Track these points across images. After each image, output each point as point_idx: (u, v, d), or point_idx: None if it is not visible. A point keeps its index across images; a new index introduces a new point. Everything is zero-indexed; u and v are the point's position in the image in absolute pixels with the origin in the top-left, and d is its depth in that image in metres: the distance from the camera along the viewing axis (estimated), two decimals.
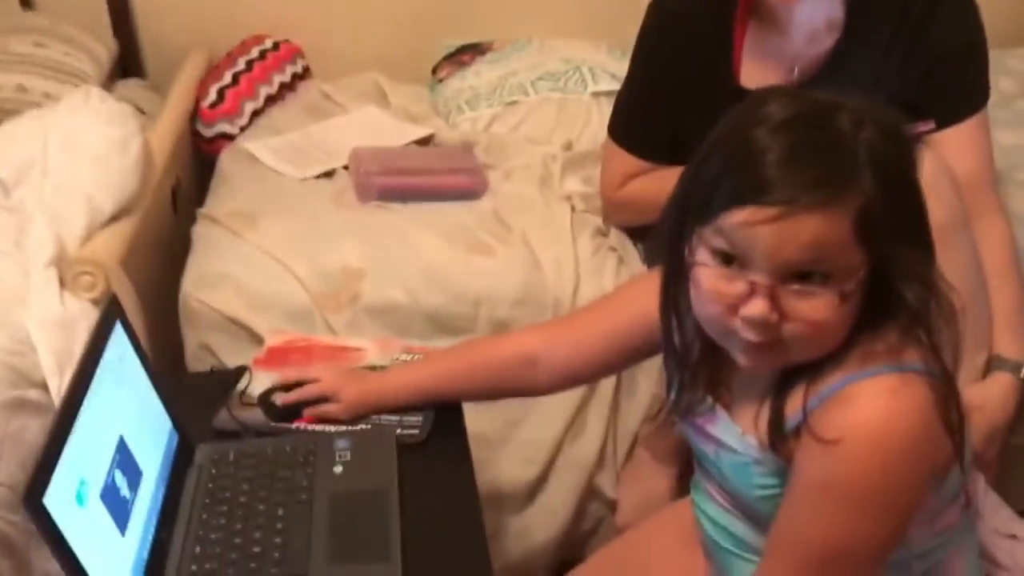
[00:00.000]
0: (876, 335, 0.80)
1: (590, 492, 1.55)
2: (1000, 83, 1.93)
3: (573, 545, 1.58)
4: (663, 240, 0.88)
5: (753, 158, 0.77)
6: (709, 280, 0.81)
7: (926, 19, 1.33)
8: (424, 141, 1.91)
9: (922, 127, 1.31)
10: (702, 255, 0.82)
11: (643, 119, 1.49)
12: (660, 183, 1.50)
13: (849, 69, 1.38)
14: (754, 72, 1.41)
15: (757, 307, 0.78)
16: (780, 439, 0.83)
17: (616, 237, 1.61)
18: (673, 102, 1.45)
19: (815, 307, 0.78)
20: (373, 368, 1.20)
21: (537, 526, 1.53)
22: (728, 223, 0.78)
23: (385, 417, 1.11)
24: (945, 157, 1.27)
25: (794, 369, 0.83)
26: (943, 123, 1.35)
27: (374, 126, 1.94)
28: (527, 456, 1.51)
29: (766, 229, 0.76)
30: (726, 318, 0.81)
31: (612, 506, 1.55)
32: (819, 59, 1.39)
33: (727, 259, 0.80)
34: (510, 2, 2.30)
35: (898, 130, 0.80)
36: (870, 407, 0.77)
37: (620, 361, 1.09)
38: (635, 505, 1.50)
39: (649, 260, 1.57)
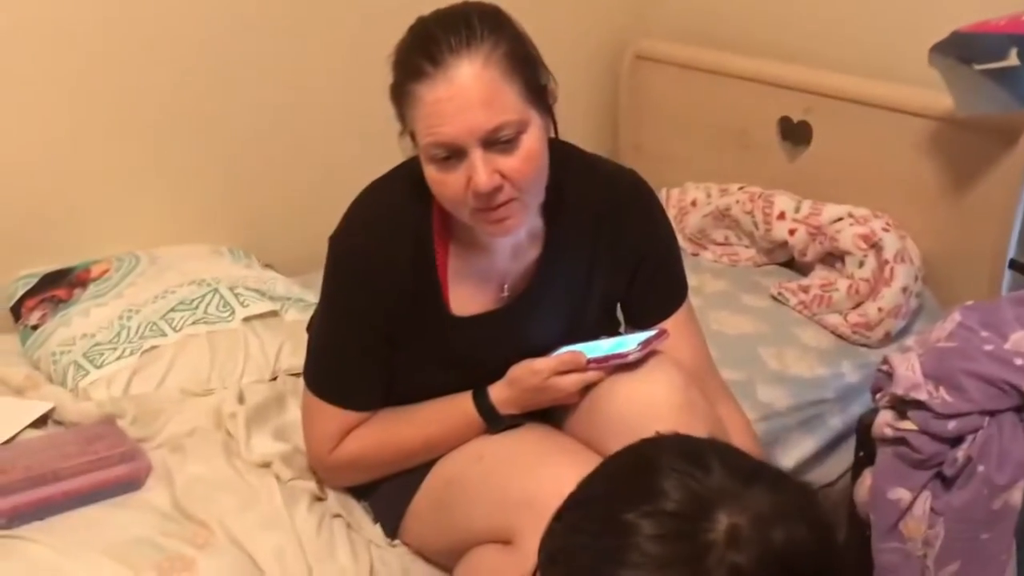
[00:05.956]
0: None
1: None
2: None
3: None
4: None
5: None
6: None
7: (621, 218, 1.30)
8: (41, 421, 1.49)
9: (661, 336, 1.27)
10: None
11: (350, 370, 1.28)
12: (386, 433, 1.31)
13: (559, 277, 1.31)
14: (464, 297, 1.29)
15: None
16: None
17: (336, 499, 1.36)
18: (381, 345, 1.27)
19: None
20: None
21: None
22: None
23: None
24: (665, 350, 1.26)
25: None
26: (658, 319, 1.33)
27: None
28: None
29: None
30: None
31: None
32: (527, 272, 1.30)
33: None
34: (91, 207, 1.93)
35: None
36: None
37: None
38: None
39: (381, 517, 1.35)
